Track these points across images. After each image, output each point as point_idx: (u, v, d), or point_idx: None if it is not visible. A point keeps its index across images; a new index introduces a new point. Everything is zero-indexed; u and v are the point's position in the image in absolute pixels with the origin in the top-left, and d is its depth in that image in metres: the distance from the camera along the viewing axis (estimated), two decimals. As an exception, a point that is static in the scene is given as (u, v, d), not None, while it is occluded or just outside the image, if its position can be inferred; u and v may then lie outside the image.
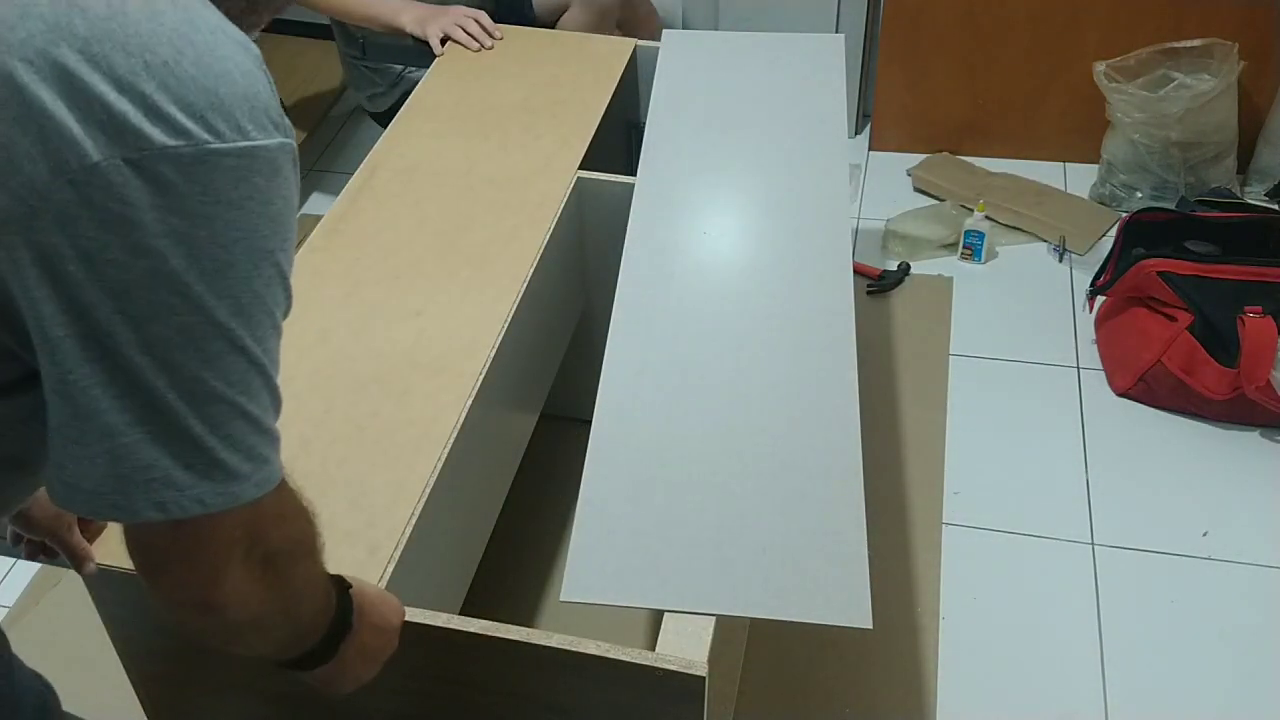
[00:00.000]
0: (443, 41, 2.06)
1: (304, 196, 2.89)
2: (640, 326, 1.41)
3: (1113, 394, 2.22)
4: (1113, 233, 2.52)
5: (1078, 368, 2.28)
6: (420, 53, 2.10)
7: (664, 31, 2.03)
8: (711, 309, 1.43)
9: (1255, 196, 2.66)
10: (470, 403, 1.31)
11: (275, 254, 0.67)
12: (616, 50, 2.04)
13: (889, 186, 2.82)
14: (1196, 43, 2.54)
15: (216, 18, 0.65)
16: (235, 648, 0.80)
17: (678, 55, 1.96)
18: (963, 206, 2.66)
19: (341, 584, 0.90)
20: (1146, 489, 2.02)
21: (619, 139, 2.13)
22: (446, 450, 1.25)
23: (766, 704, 1.69)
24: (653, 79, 1.90)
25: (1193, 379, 2.09)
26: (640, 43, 2.07)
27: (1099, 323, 2.32)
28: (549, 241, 1.57)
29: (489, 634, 1.06)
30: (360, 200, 1.64)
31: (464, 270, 1.51)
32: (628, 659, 1.03)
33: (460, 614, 1.12)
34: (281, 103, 0.71)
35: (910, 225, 2.61)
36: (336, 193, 1.68)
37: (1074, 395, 2.22)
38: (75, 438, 0.65)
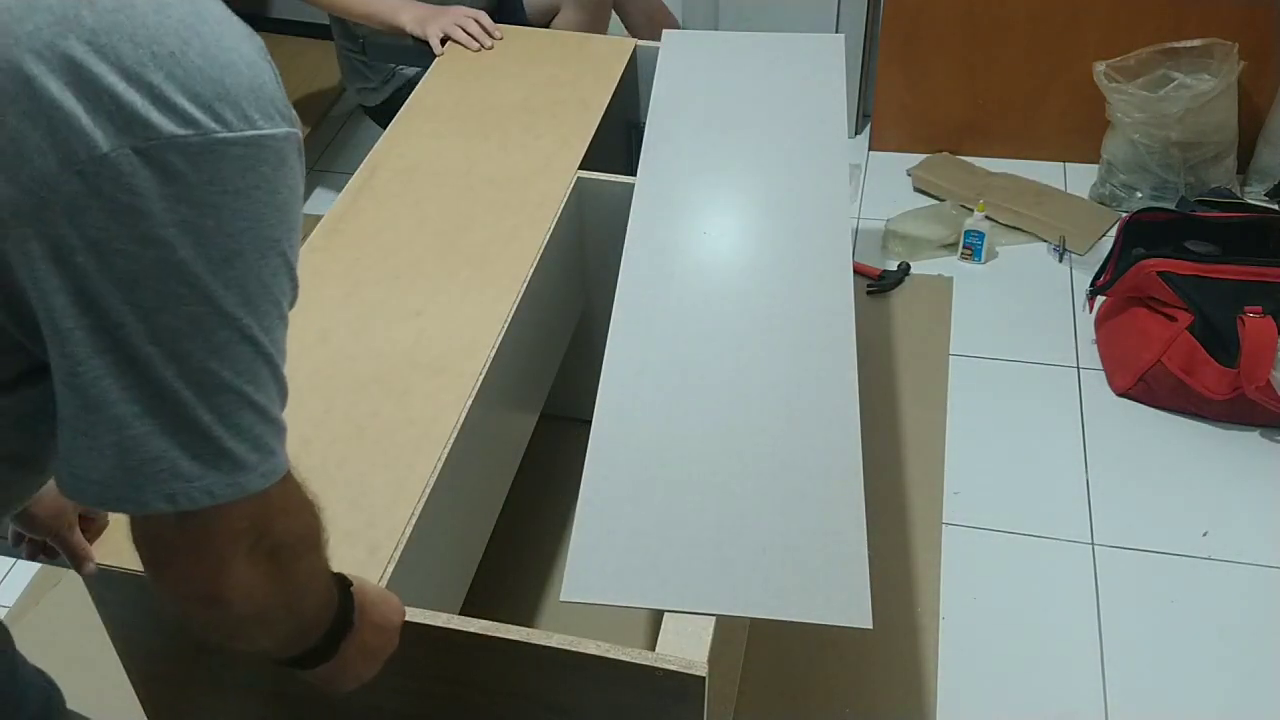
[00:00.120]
0: (443, 41, 2.07)
1: (304, 196, 2.88)
2: (640, 326, 1.41)
3: (1113, 394, 2.22)
4: (1113, 233, 2.52)
5: (1078, 368, 2.28)
6: (420, 52, 2.10)
7: (664, 31, 2.03)
8: (711, 309, 1.43)
9: (1255, 196, 2.66)
10: (470, 403, 1.31)
11: (281, 243, 0.68)
12: (616, 50, 2.04)
13: (889, 186, 2.82)
14: (1196, 43, 2.54)
15: (222, 9, 0.66)
16: (238, 643, 0.80)
17: (678, 55, 1.96)
18: (963, 206, 2.66)
19: (343, 582, 0.90)
20: (1146, 489, 2.02)
21: (619, 139, 2.13)
22: (446, 450, 1.25)
23: (766, 704, 1.69)
24: (653, 79, 1.90)
25: (1193, 379, 2.09)
26: (640, 43, 2.07)
27: (1099, 323, 2.32)
28: (549, 241, 1.57)
29: (489, 634, 1.06)
30: (360, 200, 1.64)
31: (464, 270, 1.51)
32: (628, 659, 1.03)
33: (460, 614, 1.12)
34: None
35: (910, 225, 2.61)
36: (336, 193, 1.68)
37: (1074, 395, 2.22)
38: (84, 429, 0.65)
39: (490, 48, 2.05)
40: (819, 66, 1.91)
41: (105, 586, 1.16)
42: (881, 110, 2.91)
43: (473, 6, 2.13)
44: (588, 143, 1.77)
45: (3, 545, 1.08)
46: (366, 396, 1.32)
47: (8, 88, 0.60)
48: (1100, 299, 2.29)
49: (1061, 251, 2.56)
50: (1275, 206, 2.59)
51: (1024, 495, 2.01)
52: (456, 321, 1.43)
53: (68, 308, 0.62)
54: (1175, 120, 2.49)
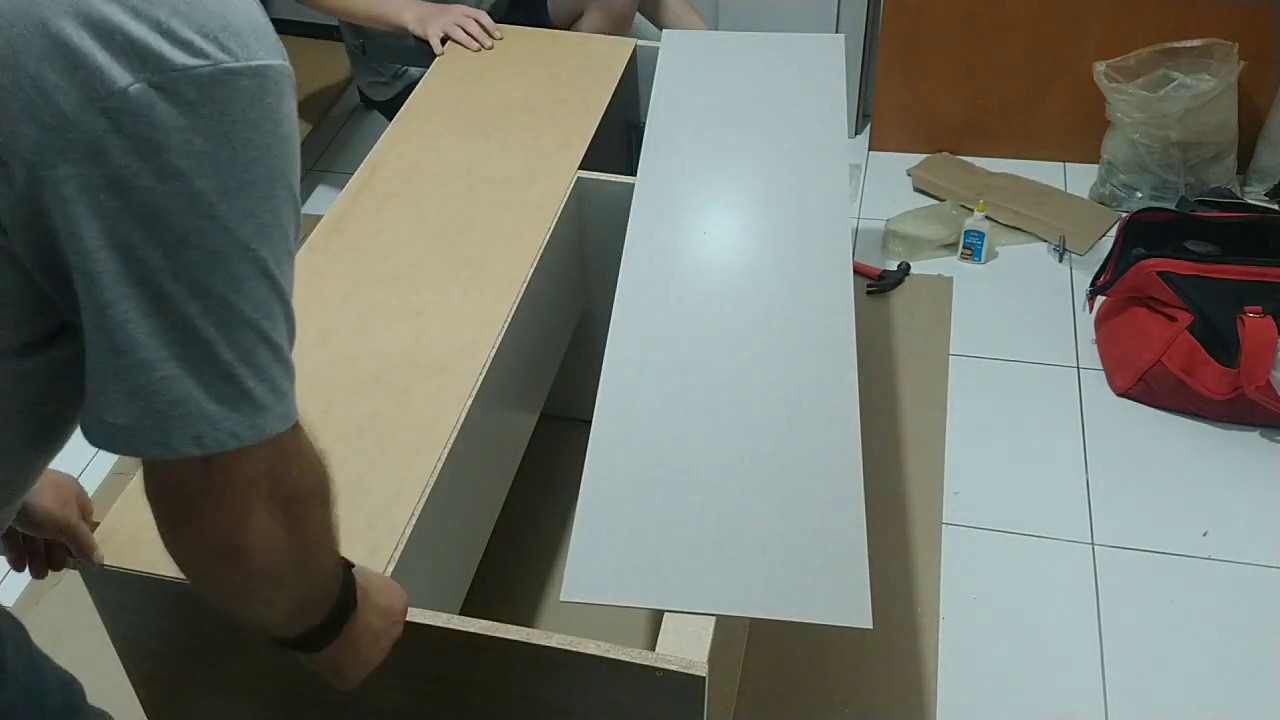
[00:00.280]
0: (443, 41, 2.07)
1: (304, 196, 2.89)
2: (640, 326, 1.41)
3: (1113, 394, 2.22)
4: (1113, 233, 2.52)
5: (1078, 368, 2.28)
6: (421, 52, 2.10)
7: (664, 31, 2.03)
8: (711, 309, 1.43)
9: (1255, 196, 2.66)
10: (470, 403, 1.31)
11: (288, 175, 0.70)
12: (616, 50, 2.04)
13: (889, 186, 2.82)
14: (1196, 43, 2.54)
15: None
16: (250, 605, 0.81)
17: (678, 55, 1.96)
18: (963, 206, 2.66)
19: (345, 563, 0.91)
20: (1146, 489, 2.02)
21: (619, 139, 2.13)
22: (446, 450, 1.25)
23: (766, 704, 1.69)
24: (653, 79, 1.90)
25: (1193, 379, 2.09)
26: (640, 43, 2.07)
27: (1099, 323, 2.32)
28: (549, 241, 1.57)
29: (489, 634, 1.06)
30: (360, 200, 1.64)
31: (464, 270, 1.51)
32: (628, 659, 1.03)
33: (460, 614, 1.12)
34: None
35: (910, 225, 2.61)
36: (336, 192, 1.68)
37: (1074, 395, 2.22)
38: (114, 374, 0.66)
39: (490, 48, 2.05)
40: (819, 66, 1.91)
41: (105, 586, 1.16)
42: (881, 110, 2.91)
43: (475, 6, 2.13)
44: (588, 143, 1.77)
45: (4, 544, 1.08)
46: (366, 396, 1.32)
47: (24, 33, 0.62)
48: (1100, 299, 2.29)
49: (1061, 251, 2.56)
50: (1275, 206, 2.59)
51: (1024, 495, 2.01)
52: (456, 321, 1.43)
53: (96, 249, 0.64)
54: (1175, 120, 2.49)
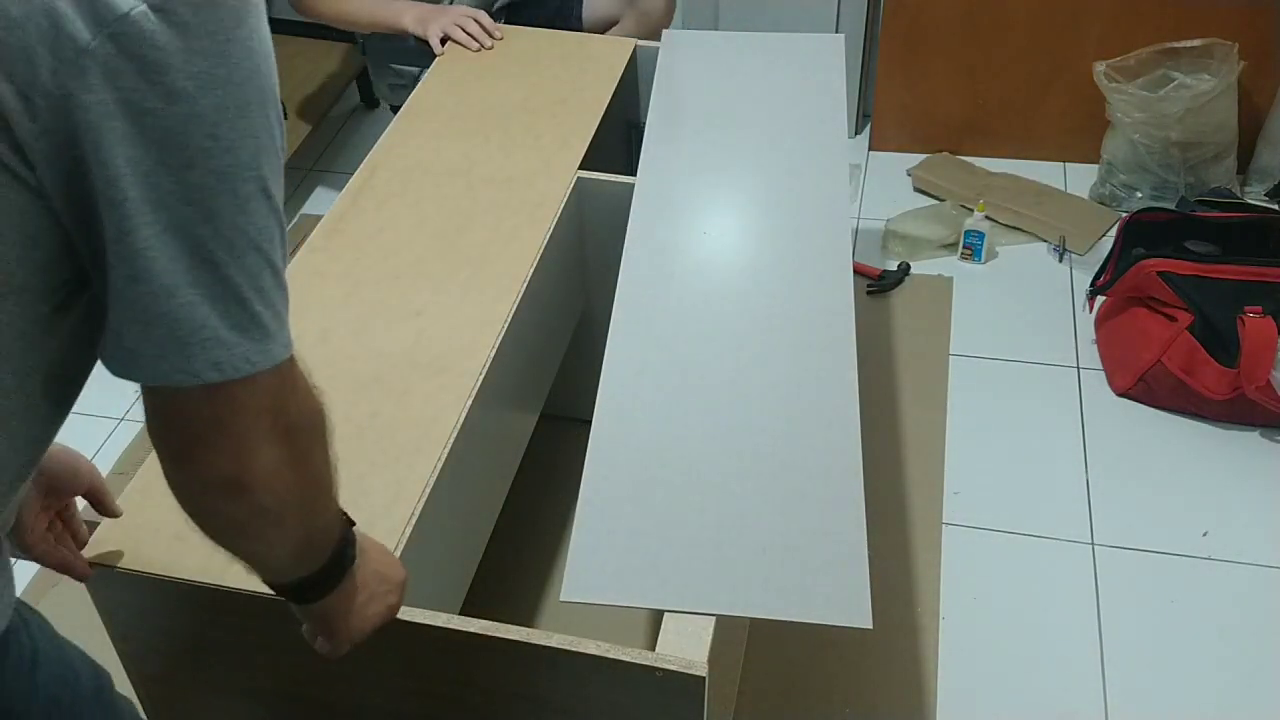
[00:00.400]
0: (443, 41, 2.07)
1: (304, 196, 2.89)
2: (640, 326, 1.41)
3: (1113, 394, 2.22)
4: (1113, 233, 2.52)
5: (1078, 368, 2.28)
6: (420, 53, 2.10)
7: (664, 31, 2.03)
8: (711, 309, 1.43)
9: (1255, 196, 2.66)
10: (470, 403, 1.31)
11: (275, 95, 0.72)
12: (616, 50, 2.04)
13: (889, 186, 2.82)
14: (1196, 43, 2.54)
15: None
16: (254, 543, 0.82)
17: (678, 55, 1.96)
18: (963, 206, 2.66)
19: (346, 518, 0.93)
20: (1146, 489, 2.02)
21: (619, 139, 2.13)
22: (446, 450, 1.25)
23: (766, 704, 1.69)
24: (653, 79, 1.90)
25: (1193, 379, 2.09)
26: (640, 43, 2.07)
27: (1099, 323, 2.32)
28: (549, 241, 1.57)
29: (489, 634, 1.06)
30: (360, 200, 1.64)
31: (464, 270, 1.51)
32: (628, 659, 1.03)
33: (460, 614, 1.12)
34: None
35: (910, 225, 2.61)
36: (336, 192, 1.68)
37: (1074, 395, 2.22)
38: (135, 302, 0.68)
39: (490, 48, 2.05)
40: (819, 66, 1.91)
41: (105, 586, 1.16)
42: (881, 110, 2.91)
43: (475, 6, 2.13)
44: (588, 143, 1.77)
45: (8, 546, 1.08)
46: (366, 396, 1.32)
47: None
48: (1100, 299, 2.29)
49: (1061, 251, 2.56)
50: (1275, 206, 2.59)
51: (1024, 495, 2.01)
52: (456, 321, 1.43)
53: (118, 176, 0.66)
54: (1175, 120, 2.49)
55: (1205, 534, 1.93)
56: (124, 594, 1.16)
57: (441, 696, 1.16)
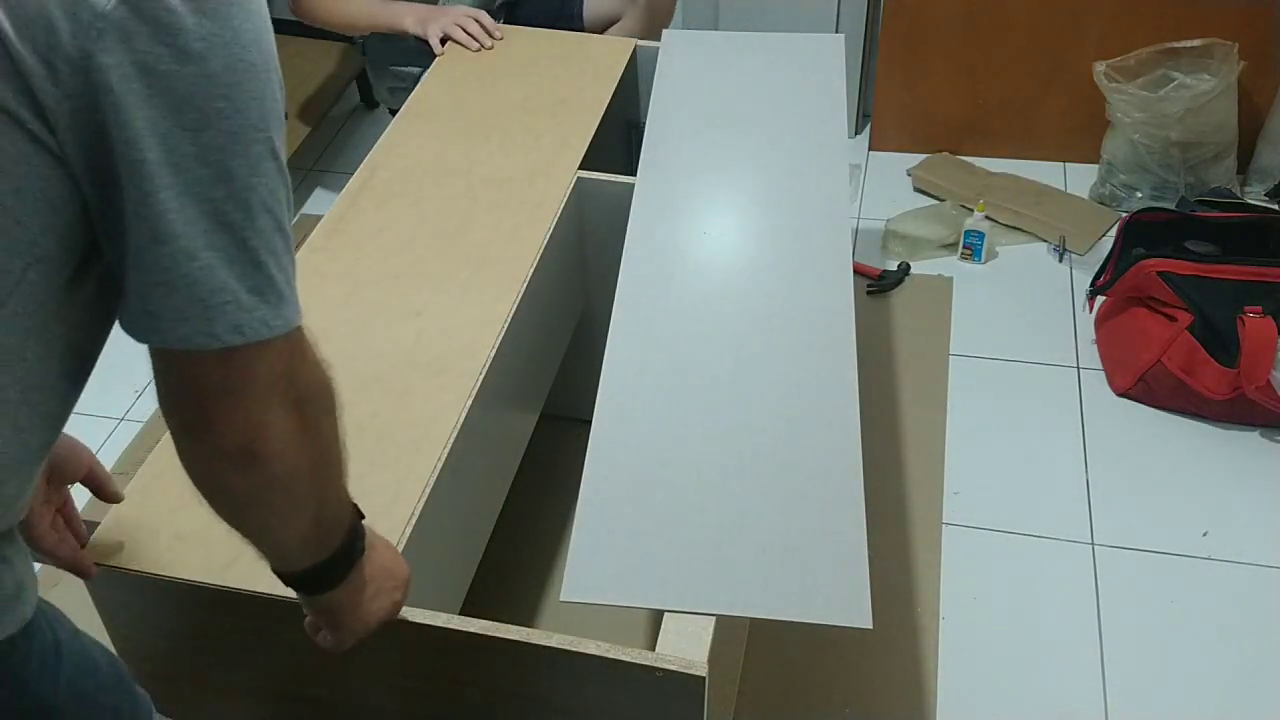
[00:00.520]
0: (443, 41, 2.06)
1: (304, 196, 2.89)
2: (640, 326, 1.41)
3: (1113, 394, 2.22)
4: (1113, 233, 2.52)
5: (1078, 368, 2.28)
6: (420, 53, 2.10)
7: (664, 31, 2.03)
8: (711, 309, 1.43)
9: (1255, 196, 2.66)
10: (470, 403, 1.31)
11: (276, 58, 0.73)
12: (616, 50, 2.04)
13: (889, 186, 2.82)
14: (1196, 43, 2.54)
15: None
16: (266, 518, 0.82)
17: (678, 55, 1.96)
18: (963, 206, 2.66)
19: (356, 509, 0.94)
20: (1146, 489, 2.02)
21: (619, 139, 2.13)
22: (446, 450, 1.25)
23: (766, 704, 1.69)
24: (653, 79, 1.90)
25: (1193, 379, 2.09)
26: (640, 43, 2.07)
27: (1099, 323, 2.32)
28: (549, 241, 1.57)
29: (489, 634, 1.06)
30: (360, 200, 1.64)
31: (464, 270, 1.51)
32: (628, 659, 1.03)
33: (460, 614, 1.12)
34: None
35: (910, 225, 2.61)
36: (336, 193, 1.68)
37: (1074, 395, 2.22)
38: (156, 264, 0.69)
39: (490, 48, 2.05)
40: (819, 66, 1.91)
41: (105, 586, 1.16)
42: (881, 110, 2.91)
43: (475, 6, 2.13)
44: (588, 143, 1.77)
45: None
46: (366, 396, 1.32)
47: None
48: (1100, 299, 2.29)
49: (1061, 251, 2.56)
50: (1275, 206, 2.59)
51: (1024, 495, 2.01)
52: (456, 321, 1.43)
53: (138, 138, 0.67)
54: (1175, 120, 2.49)
55: (1205, 534, 1.93)
56: (124, 594, 1.16)
57: (441, 696, 1.16)
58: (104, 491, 1.10)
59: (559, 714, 1.13)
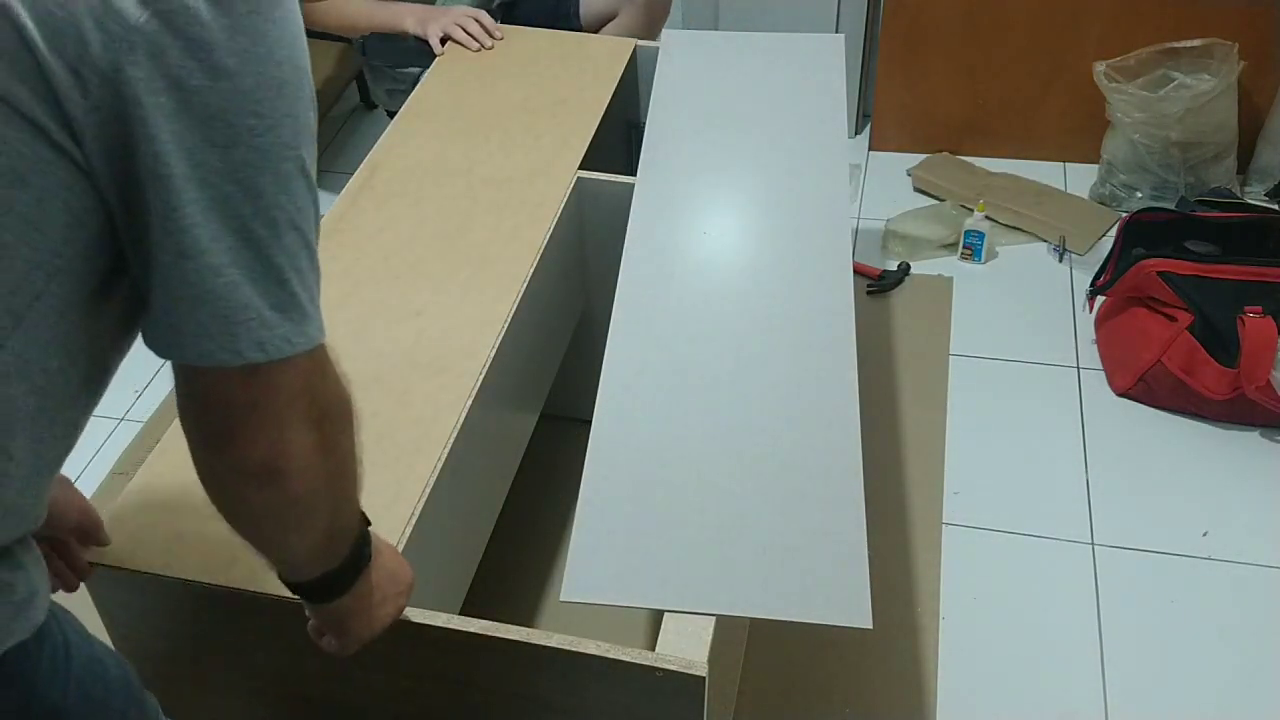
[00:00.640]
0: (443, 41, 2.06)
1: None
2: (640, 326, 1.41)
3: (1113, 394, 2.22)
4: (1113, 233, 2.52)
5: (1078, 368, 2.28)
6: (420, 52, 2.10)
7: (664, 31, 2.03)
8: (711, 309, 1.43)
9: (1255, 196, 2.66)
10: (470, 403, 1.31)
11: (308, 72, 0.73)
12: (616, 50, 2.04)
13: (889, 186, 2.82)
14: (1196, 43, 2.54)
15: None
16: (285, 534, 0.82)
17: (678, 55, 1.96)
18: (963, 206, 2.66)
19: (363, 516, 0.94)
20: (1146, 489, 2.02)
21: (619, 139, 2.13)
22: (446, 450, 1.25)
23: (766, 704, 1.69)
24: (653, 79, 1.90)
25: (1193, 379, 2.09)
26: (640, 43, 2.07)
27: (1099, 323, 2.32)
28: (549, 241, 1.57)
29: (489, 634, 1.06)
30: (360, 200, 1.64)
31: (464, 270, 1.51)
32: (628, 659, 1.03)
33: (460, 614, 1.12)
34: None
35: (910, 225, 2.61)
36: (336, 193, 1.68)
37: (1074, 395, 2.22)
38: (181, 279, 0.69)
39: (490, 47, 2.05)
40: (819, 66, 1.91)
41: (105, 586, 1.16)
42: (881, 110, 2.91)
43: (475, 6, 2.13)
44: (588, 143, 1.77)
45: None
46: (366, 396, 1.32)
47: None
48: (1100, 299, 2.29)
49: (1061, 251, 2.56)
50: (1275, 206, 2.59)
51: (1024, 495, 2.01)
52: (456, 321, 1.43)
53: (164, 152, 0.66)
54: (1175, 120, 2.49)
55: (1205, 534, 1.93)
56: (124, 594, 1.16)
57: (441, 696, 1.16)
58: (96, 540, 1.10)
59: (559, 714, 1.13)
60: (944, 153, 2.89)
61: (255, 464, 0.75)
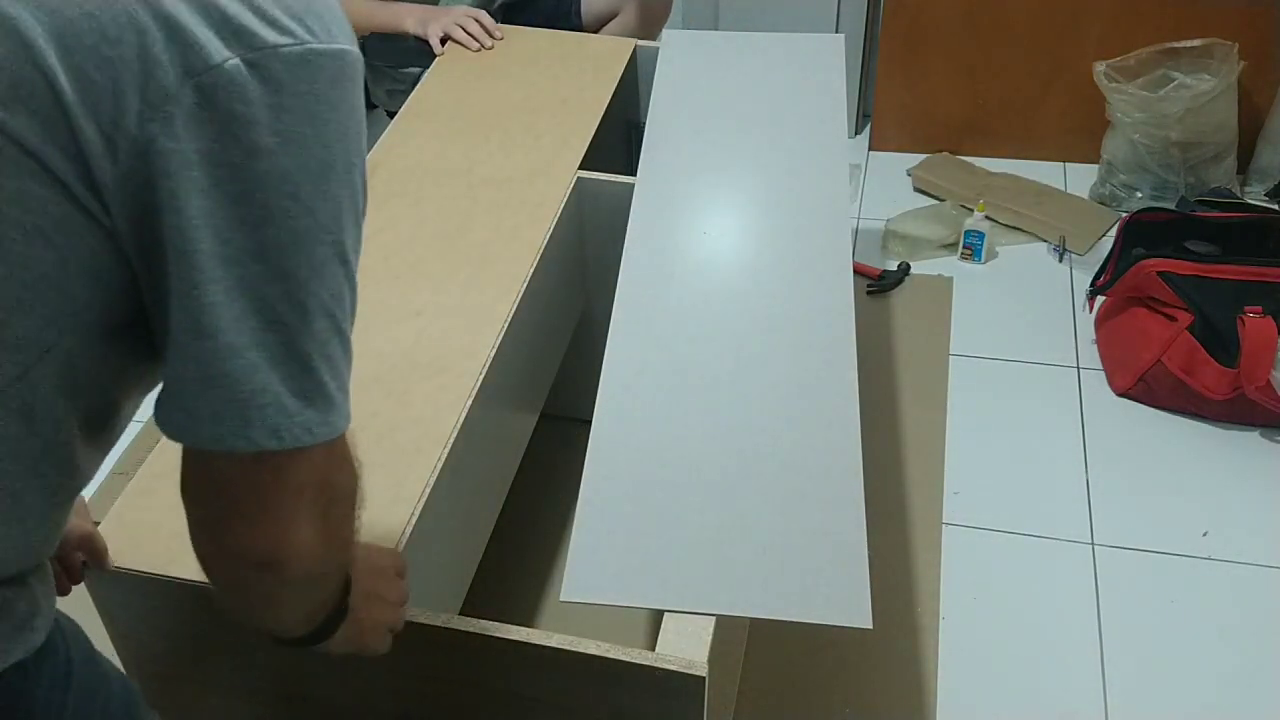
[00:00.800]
0: (443, 41, 2.06)
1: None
2: (640, 326, 1.41)
3: (1113, 394, 2.22)
4: (1113, 233, 2.52)
5: (1078, 368, 2.28)
6: (420, 52, 2.10)
7: (664, 31, 2.03)
8: (711, 309, 1.43)
9: (1255, 196, 2.66)
10: (470, 403, 1.31)
11: (362, 159, 0.71)
12: (616, 50, 2.04)
13: (889, 186, 2.82)
14: (1196, 43, 2.54)
15: None
16: (276, 612, 0.80)
17: (678, 55, 1.96)
18: (963, 206, 2.66)
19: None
20: (1146, 489, 2.02)
21: (619, 139, 2.13)
22: (446, 450, 1.25)
23: (766, 704, 1.69)
24: (653, 79, 1.90)
25: (1193, 379, 2.09)
26: (640, 43, 2.07)
27: (1099, 323, 2.32)
28: (549, 241, 1.57)
29: (489, 634, 1.06)
30: (360, 200, 1.64)
31: (464, 270, 1.51)
32: (628, 659, 1.03)
33: (460, 614, 1.12)
34: None
35: (910, 225, 2.61)
36: (336, 193, 1.67)
37: (1074, 395, 2.22)
38: (196, 359, 0.66)
39: (490, 47, 2.05)
40: (819, 66, 1.91)
41: (105, 586, 1.16)
42: (881, 110, 2.91)
43: (476, 6, 2.13)
44: (588, 143, 1.77)
45: None
46: (366, 396, 1.32)
47: (128, 6, 0.63)
48: (1100, 299, 2.29)
49: (1061, 251, 2.56)
50: (1275, 206, 2.59)
51: (1024, 495, 2.01)
52: (456, 321, 1.43)
53: (190, 227, 0.64)
54: (1175, 120, 2.49)
55: (1205, 534, 1.93)
56: (124, 594, 1.16)
57: (441, 696, 1.16)
58: (96, 559, 1.09)
59: (559, 714, 1.12)
60: (944, 153, 2.89)
61: (255, 553, 0.73)
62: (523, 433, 1.60)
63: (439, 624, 1.07)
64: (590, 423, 1.28)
